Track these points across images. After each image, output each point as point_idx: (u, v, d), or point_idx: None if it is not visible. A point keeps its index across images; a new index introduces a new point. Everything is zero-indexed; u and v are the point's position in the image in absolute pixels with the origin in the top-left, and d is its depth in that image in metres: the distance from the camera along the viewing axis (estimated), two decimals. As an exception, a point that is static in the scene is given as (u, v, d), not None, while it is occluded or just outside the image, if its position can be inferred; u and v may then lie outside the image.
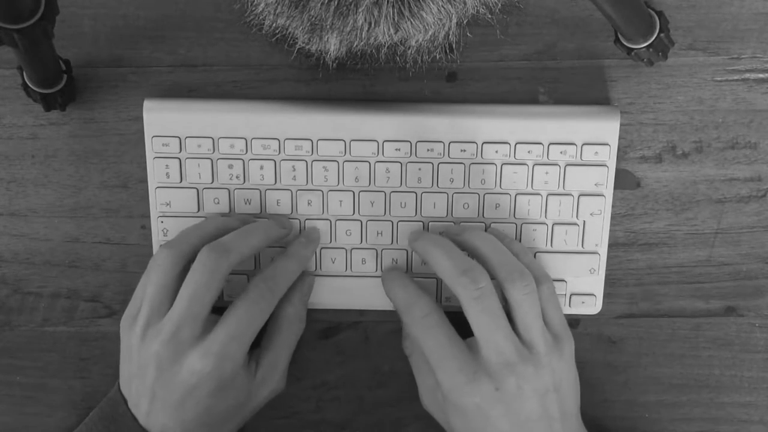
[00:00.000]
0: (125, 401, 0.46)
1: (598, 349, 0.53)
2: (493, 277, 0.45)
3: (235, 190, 0.50)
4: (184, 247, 0.46)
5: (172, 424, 0.44)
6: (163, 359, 0.44)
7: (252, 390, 0.47)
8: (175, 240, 0.47)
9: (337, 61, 0.46)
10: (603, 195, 0.50)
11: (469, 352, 0.45)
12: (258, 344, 0.48)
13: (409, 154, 0.49)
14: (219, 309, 0.45)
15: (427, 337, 0.45)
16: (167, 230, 0.50)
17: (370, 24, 0.40)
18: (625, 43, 0.48)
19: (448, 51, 0.48)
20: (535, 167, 0.50)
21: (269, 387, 0.48)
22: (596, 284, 0.51)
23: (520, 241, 0.50)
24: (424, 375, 0.49)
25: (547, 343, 0.45)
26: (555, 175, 0.50)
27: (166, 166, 0.50)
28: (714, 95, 0.51)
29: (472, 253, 0.48)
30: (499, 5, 0.43)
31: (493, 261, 0.46)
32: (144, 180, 0.51)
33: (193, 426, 0.44)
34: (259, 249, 0.48)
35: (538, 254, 0.50)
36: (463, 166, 0.50)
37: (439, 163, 0.50)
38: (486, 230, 0.50)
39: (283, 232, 0.49)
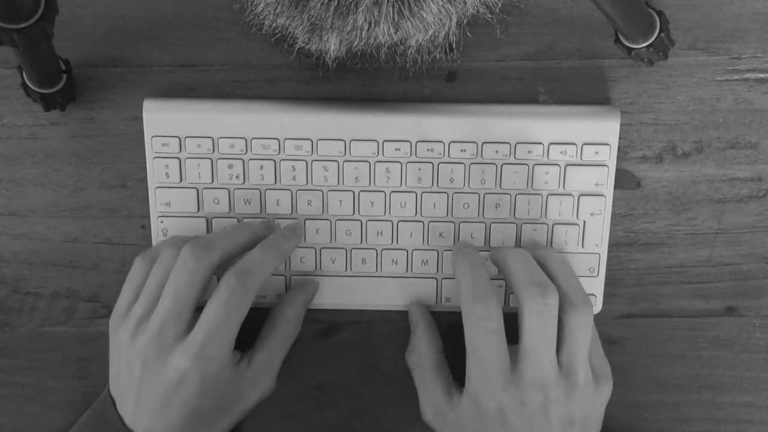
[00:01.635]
0: (113, 403, 0.45)
1: (598, 349, 0.53)
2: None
3: (235, 190, 0.50)
4: (161, 248, 0.47)
5: (157, 426, 0.44)
6: (149, 357, 0.43)
7: (241, 391, 0.46)
8: (162, 244, 0.47)
9: (337, 61, 0.46)
10: (603, 195, 0.50)
11: (510, 361, 0.44)
12: (252, 344, 0.48)
13: (409, 154, 0.49)
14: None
15: (479, 339, 0.44)
16: (167, 230, 0.50)
17: (370, 24, 0.40)
18: (626, 43, 0.48)
19: (448, 51, 0.48)
20: (535, 167, 0.50)
21: (259, 388, 0.47)
22: (596, 284, 0.51)
23: (520, 241, 0.50)
24: (429, 388, 0.47)
25: (587, 377, 0.44)
26: (555, 175, 0.50)
27: (166, 166, 0.50)
28: (714, 95, 0.51)
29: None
30: (499, 5, 0.42)
31: (559, 281, 0.45)
32: (144, 180, 0.51)
33: (178, 429, 0.44)
34: (246, 247, 0.46)
35: (538, 254, 0.50)
36: (463, 166, 0.50)
37: (439, 163, 0.50)
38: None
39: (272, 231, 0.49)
